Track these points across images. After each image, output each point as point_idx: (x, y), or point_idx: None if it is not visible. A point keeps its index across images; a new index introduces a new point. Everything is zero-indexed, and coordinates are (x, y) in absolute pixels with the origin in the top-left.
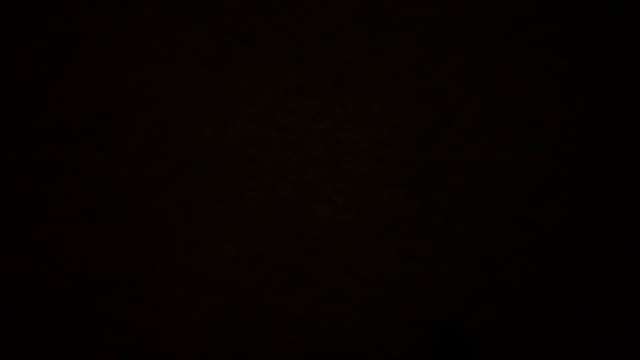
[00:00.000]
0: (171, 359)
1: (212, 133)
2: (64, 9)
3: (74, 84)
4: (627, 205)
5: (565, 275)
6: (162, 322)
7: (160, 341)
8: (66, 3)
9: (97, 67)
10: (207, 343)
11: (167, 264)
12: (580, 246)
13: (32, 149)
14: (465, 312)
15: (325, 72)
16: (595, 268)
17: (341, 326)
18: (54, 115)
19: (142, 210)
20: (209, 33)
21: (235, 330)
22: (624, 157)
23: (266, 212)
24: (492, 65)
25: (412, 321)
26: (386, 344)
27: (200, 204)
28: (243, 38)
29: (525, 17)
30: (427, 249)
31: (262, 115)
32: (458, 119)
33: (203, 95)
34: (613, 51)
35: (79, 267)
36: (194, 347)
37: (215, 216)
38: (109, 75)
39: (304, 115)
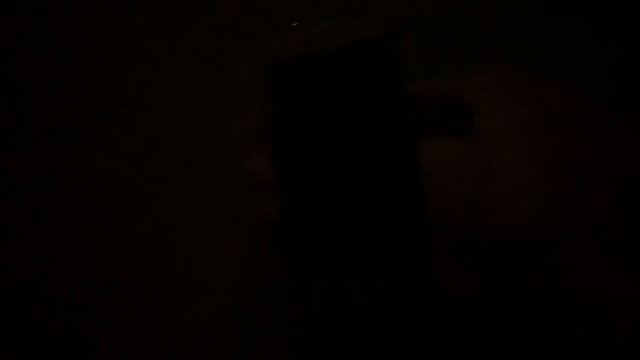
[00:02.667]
0: (171, 359)
1: (212, 133)
2: (64, 9)
3: (74, 84)
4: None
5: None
6: (162, 322)
7: (160, 341)
8: (66, 3)
9: (97, 67)
10: (207, 343)
11: (167, 264)
12: None
13: (32, 149)
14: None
15: None
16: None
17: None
18: (54, 115)
19: (142, 210)
20: (209, 33)
21: (235, 330)
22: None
23: None
24: (492, 65)
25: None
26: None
27: (200, 204)
28: (243, 38)
29: (525, 17)
30: None
31: (262, 115)
32: None
33: (203, 95)
34: (613, 51)
35: (79, 267)
36: (194, 347)
37: (215, 216)
38: (109, 76)
39: None
